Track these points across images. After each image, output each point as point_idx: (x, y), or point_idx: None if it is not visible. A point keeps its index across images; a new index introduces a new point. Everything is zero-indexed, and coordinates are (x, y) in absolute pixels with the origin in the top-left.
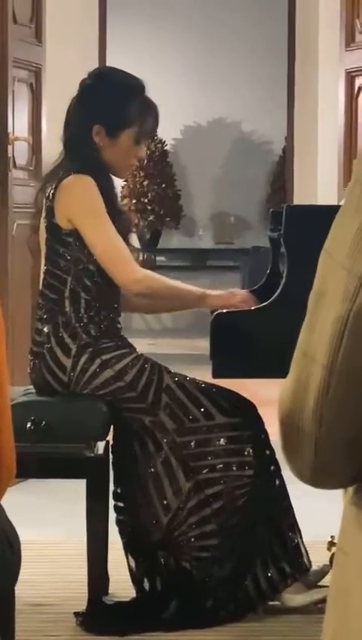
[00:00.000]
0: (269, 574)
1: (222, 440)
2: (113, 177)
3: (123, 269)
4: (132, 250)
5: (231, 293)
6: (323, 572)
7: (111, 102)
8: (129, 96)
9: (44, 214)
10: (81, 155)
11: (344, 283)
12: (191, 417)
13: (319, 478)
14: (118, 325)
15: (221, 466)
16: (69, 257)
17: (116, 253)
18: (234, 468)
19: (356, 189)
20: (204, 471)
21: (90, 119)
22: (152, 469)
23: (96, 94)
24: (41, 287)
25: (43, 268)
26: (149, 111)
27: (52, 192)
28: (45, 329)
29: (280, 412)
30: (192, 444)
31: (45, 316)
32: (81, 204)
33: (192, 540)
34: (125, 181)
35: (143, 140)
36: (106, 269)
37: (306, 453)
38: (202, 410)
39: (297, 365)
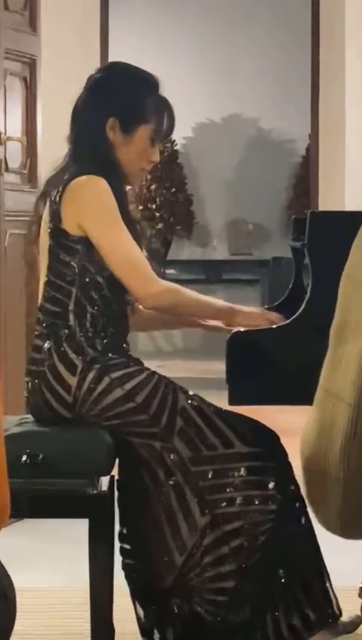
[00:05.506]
0: (292, 622)
1: (242, 471)
2: None
3: (141, 281)
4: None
5: (262, 313)
6: (354, 623)
7: (127, 94)
8: (146, 89)
9: (48, 219)
10: (91, 153)
11: None
12: (208, 445)
13: (348, 526)
14: (125, 345)
15: (241, 499)
16: (75, 267)
17: (133, 264)
18: (256, 502)
19: None
20: (222, 505)
21: (103, 112)
22: (164, 503)
23: (110, 87)
24: (41, 300)
25: (44, 279)
26: (166, 110)
27: (58, 194)
28: (46, 345)
29: (304, 456)
30: (209, 474)
31: (45, 331)
32: (93, 208)
33: (207, 581)
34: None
35: (158, 142)
36: (122, 281)
37: (333, 499)
38: (220, 437)
39: (320, 404)
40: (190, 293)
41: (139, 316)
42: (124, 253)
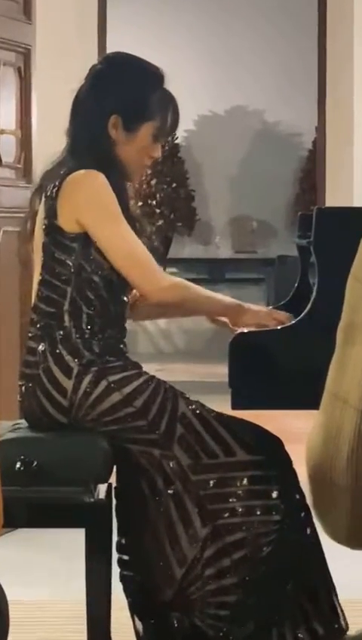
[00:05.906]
0: (299, 636)
1: (244, 480)
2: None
3: (146, 277)
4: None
5: (270, 312)
6: (361, 637)
7: (131, 90)
8: (151, 85)
9: (43, 215)
10: (91, 148)
11: None
12: (208, 452)
13: (356, 536)
14: (123, 347)
15: (243, 509)
16: (70, 265)
17: (138, 259)
18: (259, 512)
19: None
20: (224, 515)
21: (106, 108)
22: (163, 513)
23: (113, 81)
24: (34, 300)
25: (37, 278)
26: (171, 105)
27: (55, 189)
28: (40, 347)
29: (309, 463)
30: (210, 483)
31: (40, 333)
32: (92, 203)
33: (208, 595)
34: None
35: (161, 138)
36: (126, 277)
37: (340, 509)
38: (222, 444)
39: (327, 409)
40: (197, 288)
41: (142, 305)
42: (126, 248)
